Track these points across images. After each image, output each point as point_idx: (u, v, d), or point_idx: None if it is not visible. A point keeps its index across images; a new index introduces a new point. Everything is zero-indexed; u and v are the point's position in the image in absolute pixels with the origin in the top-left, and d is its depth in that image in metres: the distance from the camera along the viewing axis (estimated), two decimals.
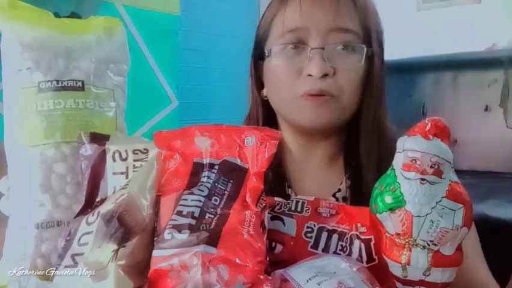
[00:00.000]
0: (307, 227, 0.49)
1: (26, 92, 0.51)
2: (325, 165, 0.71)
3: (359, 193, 0.66)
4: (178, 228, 0.41)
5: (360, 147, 0.67)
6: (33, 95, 0.51)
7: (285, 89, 0.65)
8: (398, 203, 0.42)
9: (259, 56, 0.71)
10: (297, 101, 0.64)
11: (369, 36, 0.65)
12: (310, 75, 0.62)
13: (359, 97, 0.65)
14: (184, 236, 0.40)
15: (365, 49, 0.64)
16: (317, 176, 0.71)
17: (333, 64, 0.62)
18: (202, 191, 0.45)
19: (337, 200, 0.68)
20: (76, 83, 0.52)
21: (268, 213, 0.49)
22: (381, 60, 0.68)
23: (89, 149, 0.50)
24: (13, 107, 0.52)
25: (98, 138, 0.51)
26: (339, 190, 0.70)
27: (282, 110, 0.69)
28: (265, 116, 0.73)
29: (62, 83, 0.52)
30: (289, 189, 0.71)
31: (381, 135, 0.67)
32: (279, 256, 0.48)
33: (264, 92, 0.73)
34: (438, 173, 0.41)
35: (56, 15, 0.56)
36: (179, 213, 0.42)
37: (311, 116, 0.64)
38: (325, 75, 0.62)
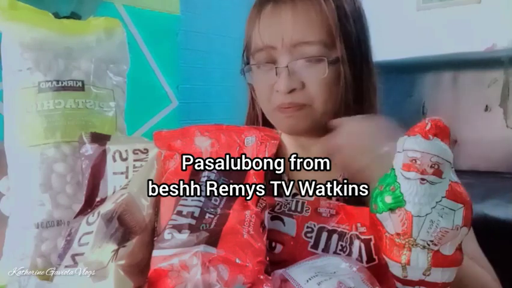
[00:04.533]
0: (307, 227, 0.49)
1: (26, 92, 0.51)
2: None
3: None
4: (178, 228, 0.41)
5: None
6: (34, 95, 0.51)
7: (263, 101, 0.69)
8: (398, 203, 0.42)
9: (246, 65, 0.73)
10: (273, 112, 0.68)
11: (334, 42, 0.64)
12: (278, 91, 0.65)
13: (332, 102, 0.66)
14: (184, 236, 0.40)
15: (325, 60, 0.64)
16: (314, 173, 0.71)
17: (300, 78, 0.64)
18: (202, 190, 0.45)
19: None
20: (76, 83, 0.52)
21: (268, 213, 0.49)
22: (365, 62, 0.69)
23: (89, 149, 0.50)
24: (13, 107, 0.52)
25: (99, 138, 0.51)
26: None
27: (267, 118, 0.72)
28: (264, 116, 0.74)
29: (62, 83, 0.52)
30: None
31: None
32: (279, 256, 0.48)
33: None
34: (438, 173, 0.41)
35: (56, 15, 0.56)
36: (179, 213, 0.42)
37: (286, 125, 0.68)
38: (293, 90, 0.64)
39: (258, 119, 0.75)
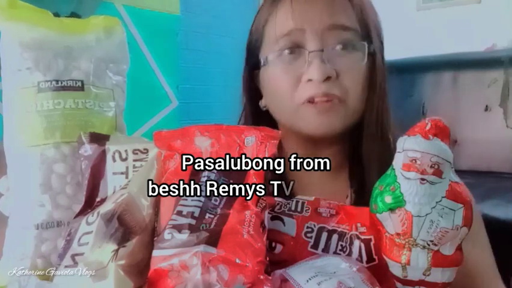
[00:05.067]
0: (307, 227, 0.49)
1: (25, 91, 0.51)
2: (329, 176, 0.66)
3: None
4: (178, 228, 0.41)
5: (363, 152, 0.63)
6: (33, 95, 0.51)
7: (286, 97, 0.61)
8: (398, 203, 0.42)
9: (254, 65, 0.67)
10: (300, 108, 0.60)
11: (369, 32, 0.61)
12: (311, 80, 0.58)
13: (364, 98, 0.61)
14: (184, 236, 0.40)
15: (366, 46, 0.60)
16: (321, 188, 0.66)
17: (334, 66, 0.58)
18: (202, 191, 0.45)
19: None
20: (76, 83, 0.52)
21: (268, 213, 0.48)
22: (383, 57, 0.64)
23: (89, 149, 0.50)
24: (12, 107, 0.52)
25: (98, 138, 0.51)
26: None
27: (285, 120, 0.64)
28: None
29: (61, 83, 0.52)
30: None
31: (384, 138, 0.63)
32: (279, 256, 0.47)
33: (263, 102, 0.68)
34: (438, 173, 0.41)
35: (56, 15, 0.56)
36: (179, 213, 0.42)
37: (317, 123, 0.59)
38: (328, 78, 0.58)
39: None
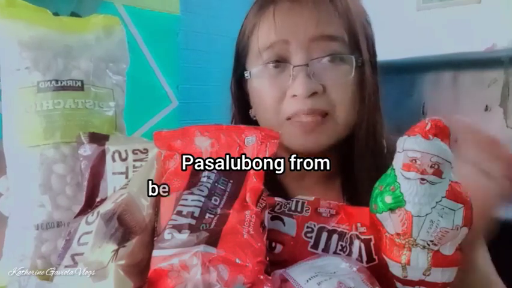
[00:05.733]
0: (307, 227, 0.49)
1: (25, 91, 0.51)
2: (322, 184, 0.65)
3: None
4: (178, 228, 0.41)
5: (355, 164, 0.61)
6: (33, 95, 0.51)
7: (271, 112, 0.58)
8: (398, 203, 0.42)
9: (241, 74, 0.64)
10: (285, 125, 0.58)
11: (357, 41, 0.58)
12: (295, 95, 0.56)
13: (354, 112, 0.58)
14: (184, 236, 0.40)
15: (354, 59, 0.57)
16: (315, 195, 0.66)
17: (320, 81, 0.56)
18: (202, 191, 0.45)
19: None
20: (76, 83, 0.52)
21: (268, 213, 0.48)
22: (374, 67, 0.62)
23: (88, 149, 0.50)
24: (12, 106, 0.52)
25: (98, 138, 0.51)
26: None
27: None
28: None
29: (61, 82, 0.52)
30: None
31: (376, 148, 0.61)
32: (279, 256, 0.47)
33: (252, 112, 0.66)
34: (438, 173, 0.41)
35: (56, 15, 0.56)
36: (179, 213, 0.42)
37: (302, 141, 0.58)
38: (313, 94, 0.55)
39: None
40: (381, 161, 0.58)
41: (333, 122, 0.57)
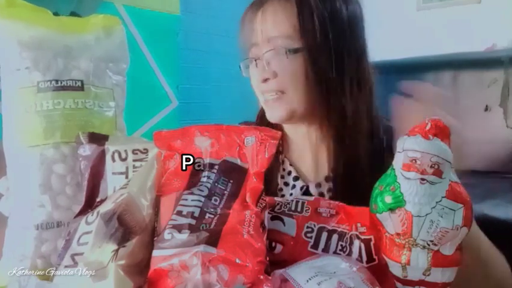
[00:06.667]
0: (307, 227, 0.49)
1: (24, 91, 0.51)
2: (319, 147, 0.78)
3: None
4: (178, 228, 0.41)
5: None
6: (32, 95, 0.51)
7: (257, 93, 0.76)
8: (398, 203, 0.42)
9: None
10: (263, 103, 0.76)
11: (307, 33, 0.70)
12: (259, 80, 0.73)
13: (307, 91, 0.71)
14: (184, 236, 0.40)
15: (287, 49, 0.70)
16: (314, 155, 0.78)
17: (272, 68, 0.71)
18: (202, 191, 0.45)
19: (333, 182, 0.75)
20: (75, 83, 0.52)
21: (268, 213, 0.48)
22: (328, 52, 0.71)
23: (87, 149, 0.50)
24: (12, 106, 0.52)
25: (97, 138, 0.51)
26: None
27: None
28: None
29: (61, 82, 0.52)
30: (291, 167, 0.79)
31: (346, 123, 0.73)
32: (279, 256, 0.47)
33: None
34: (438, 173, 0.41)
35: (56, 15, 0.56)
36: (179, 213, 0.42)
37: (269, 114, 0.75)
38: (266, 80, 0.72)
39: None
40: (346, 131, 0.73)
41: (286, 100, 0.72)
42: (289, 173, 0.79)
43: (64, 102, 0.51)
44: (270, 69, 0.72)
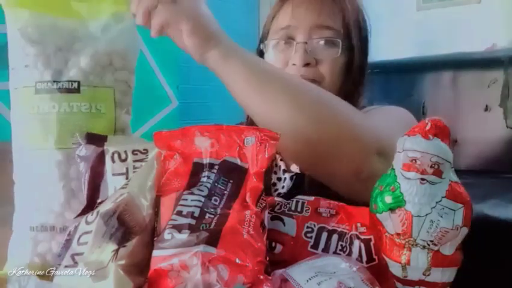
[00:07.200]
0: (307, 227, 0.49)
1: (25, 91, 0.51)
2: None
3: None
4: (178, 228, 0.41)
5: None
6: (31, 96, 0.50)
7: None
8: (398, 203, 0.42)
9: (261, 50, 0.82)
10: None
11: (349, 32, 0.76)
12: (294, 64, 0.74)
13: (339, 86, 0.76)
14: (184, 236, 0.40)
15: (340, 43, 0.75)
16: None
17: (315, 56, 0.75)
18: (202, 191, 0.45)
19: None
20: (72, 85, 0.51)
21: (268, 213, 0.48)
22: (363, 54, 0.79)
23: (87, 150, 0.50)
24: (16, 106, 0.52)
25: (96, 139, 0.50)
26: None
27: None
28: None
29: (57, 84, 0.51)
30: (281, 162, 0.80)
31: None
32: (279, 256, 0.47)
33: None
34: (438, 172, 0.41)
35: None
36: (179, 213, 0.42)
37: None
38: (307, 65, 0.74)
39: None
40: None
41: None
42: (280, 167, 0.80)
43: (58, 106, 0.50)
44: (311, 55, 0.74)
